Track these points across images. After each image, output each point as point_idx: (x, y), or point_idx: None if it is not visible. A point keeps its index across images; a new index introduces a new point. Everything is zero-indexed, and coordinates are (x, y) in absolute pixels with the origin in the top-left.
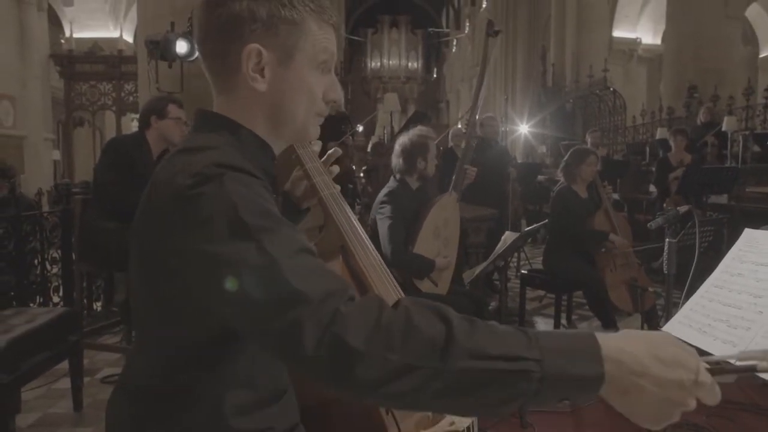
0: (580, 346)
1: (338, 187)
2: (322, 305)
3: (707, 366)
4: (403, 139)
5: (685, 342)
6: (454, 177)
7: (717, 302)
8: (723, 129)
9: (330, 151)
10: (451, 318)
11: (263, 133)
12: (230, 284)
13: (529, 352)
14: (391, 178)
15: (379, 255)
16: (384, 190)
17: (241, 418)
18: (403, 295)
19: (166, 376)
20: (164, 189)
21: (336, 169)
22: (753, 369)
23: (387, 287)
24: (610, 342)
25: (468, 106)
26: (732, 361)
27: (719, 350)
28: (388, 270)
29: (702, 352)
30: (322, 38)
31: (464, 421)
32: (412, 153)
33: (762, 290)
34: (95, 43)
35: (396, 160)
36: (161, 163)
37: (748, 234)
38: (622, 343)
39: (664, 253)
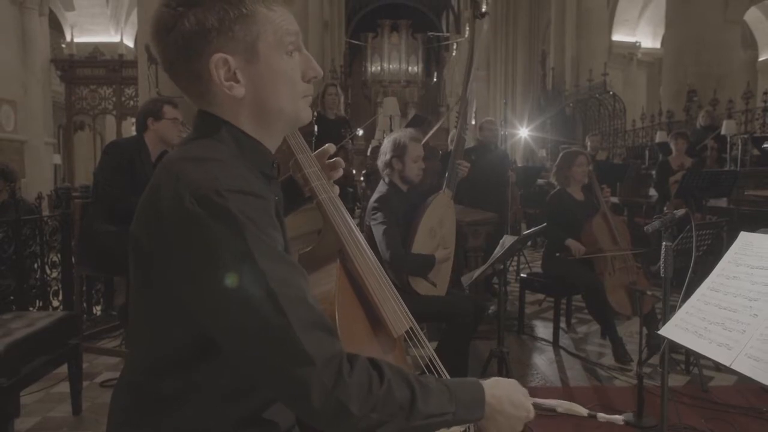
0: (475, 396)
1: (337, 189)
2: (326, 369)
3: (534, 404)
4: (385, 140)
5: (682, 345)
6: (447, 174)
7: (713, 305)
8: (722, 132)
9: (334, 160)
10: (414, 386)
11: (256, 135)
12: (239, 329)
13: (450, 407)
14: (381, 181)
15: (376, 258)
16: (374, 196)
17: (234, 418)
18: (398, 296)
19: (164, 372)
20: (167, 200)
21: (339, 173)
22: (554, 410)
23: (384, 290)
24: (488, 390)
25: (468, 109)
26: (541, 403)
27: (715, 353)
28: (385, 273)
29: (691, 352)
30: (279, 21)
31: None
32: (388, 154)
33: (757, 293)
34: (96, 47)
35: (378, 162)
36: (161, 164)
37: (744, 237)
38: (494, 390)
39: (661, 257)
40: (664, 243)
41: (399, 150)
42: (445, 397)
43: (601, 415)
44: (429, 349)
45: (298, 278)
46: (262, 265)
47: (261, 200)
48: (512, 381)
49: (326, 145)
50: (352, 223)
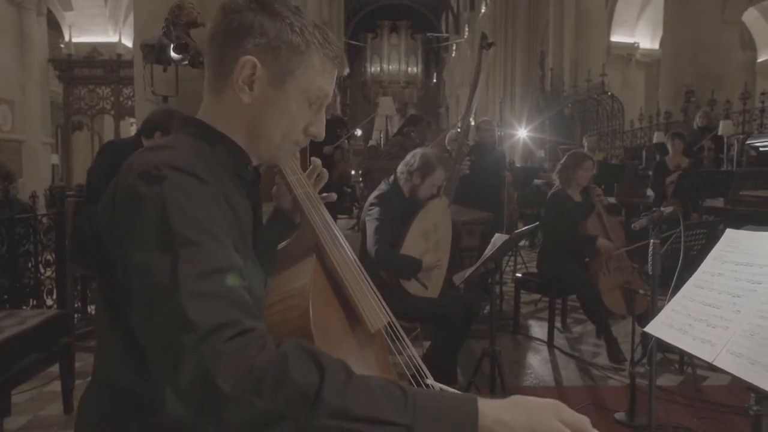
0: (457, 413)
1: (334, 196)
2: (205, 339)
3: None
4: (420, 151)
5: (668, 342)
6: (444, 182)
7: (698, 302)
8: (719, 133)
9: (312, 166)
10: (326, 368)
11: (240, 142)
12: (138, 293)
13: (401, 416)
14: (383, 181)
15: (354, 254)
16: (374, 192)
17: None
18: (378, 294)
19: (131, 372)
20: (119, 188)
21: (333, 196)
22: None
23: (361, 286)
24: (489, 411)
25: (463, 114)
26: None
27: (699, 349)
28: (363, 269)
29: (684, 352)
30: (320, 75)
31: None
32: (415, 165)
33: (741, 290)
34: (94, 47)
35: (401, 165)
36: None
37: (729, 234)
38: (503, 413)
39: (649, 254)
40: (651, 240)
41: (426, 168)
42: (390, 398)
43: None
44: (410, 348)
45: (213, 249)
46: (177, 232)
47: (201, 183)
48: (549, 403)
49: (316, 162)
50: (330, 219)
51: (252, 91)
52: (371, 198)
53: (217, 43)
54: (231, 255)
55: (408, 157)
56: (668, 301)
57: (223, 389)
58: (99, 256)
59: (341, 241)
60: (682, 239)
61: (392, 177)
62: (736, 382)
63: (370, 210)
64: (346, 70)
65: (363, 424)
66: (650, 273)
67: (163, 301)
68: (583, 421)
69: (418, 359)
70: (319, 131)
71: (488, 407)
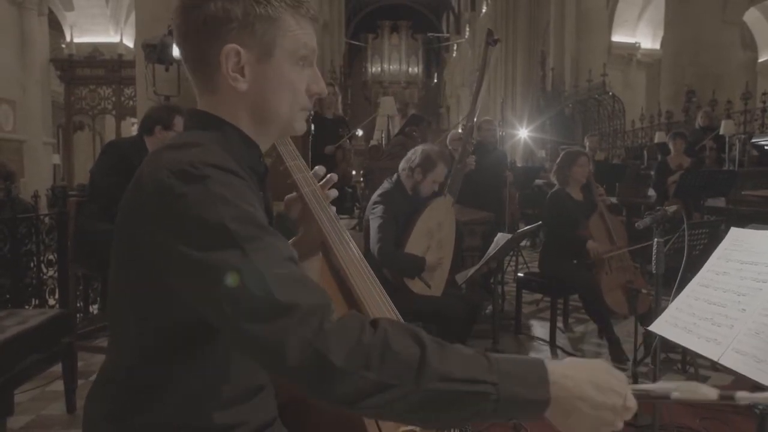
0: (532, 372)
1: (334, 192)
2: (306, 319)
3: (633, 391)
4: (420, 147)
5: (673, 341)
6: (449, 180)
7: (702, 301)
8: (721, 133)
9: (327, 176)
10: (425, 342)
11: (249, 131)
12: (214, 291)
13: (489, 376)
14: (386, 179)
15: (360, 252)
16: (378, 191)
17: (215, 412)
18: (384, 292)
19: (142, 367)
20: (148, 183)
21: (334, 193)
22: (667, 396)
23: (367, 284)
24: (557, 369)
25: (468, 112)
26: (643, 388)
27: (703, 348)
28: (369, 267)
29: (688, 351)
30: (301, 33)
31: None
32: (416, 161)
33: (746, 288)
34: (95, 47)
35: (402, 162)
36: (146, 158)
37: (734, 233)
38: (567, 370)
39: (653, 254)
40: (655, 240)
41: (428, 164)
42: (478, 362)
43: (742, 395)
44: None
45: (274, 240)
46: (234, 227)
47: (238, 178)
48: (598, 361)
49: (329, 175)
50: (335, 217)
51: (245, 77)
52: (375, 196)
53: (192, 44)
54: (288, 245)
55: (409, 153)
56: (672, 300)
57: (336, 364)
58: (125, 254)
59: (347, 239)
60: (686, 239)
61: (395, 175)
62: (740, 381)
63: (374, 208)
64: (321, 20)
65: (463, 384)
66: (654, 272)
67: (245, 291)
68: (624, 377)
69: None
70: (321, 88)
71: (554, 366)
